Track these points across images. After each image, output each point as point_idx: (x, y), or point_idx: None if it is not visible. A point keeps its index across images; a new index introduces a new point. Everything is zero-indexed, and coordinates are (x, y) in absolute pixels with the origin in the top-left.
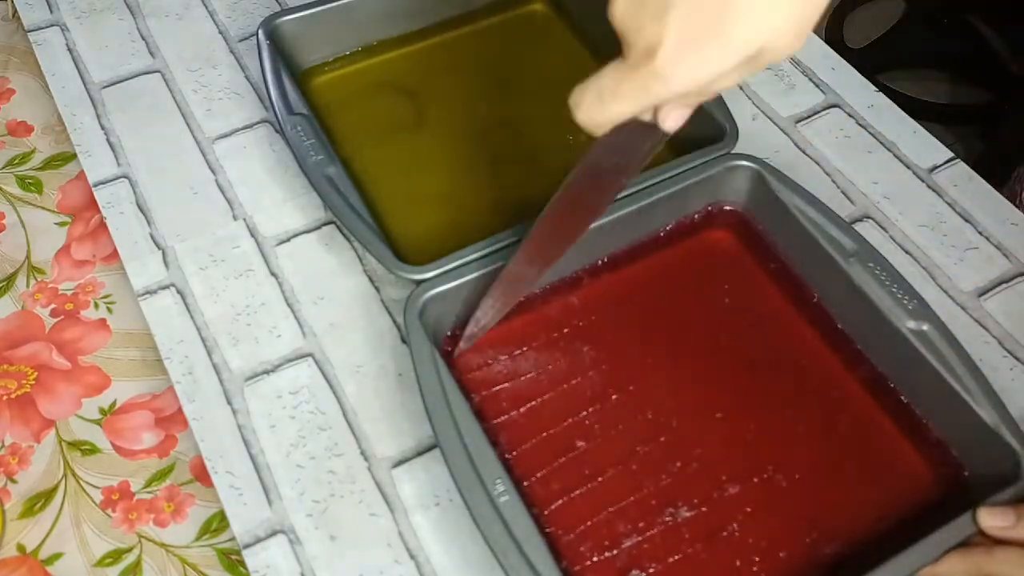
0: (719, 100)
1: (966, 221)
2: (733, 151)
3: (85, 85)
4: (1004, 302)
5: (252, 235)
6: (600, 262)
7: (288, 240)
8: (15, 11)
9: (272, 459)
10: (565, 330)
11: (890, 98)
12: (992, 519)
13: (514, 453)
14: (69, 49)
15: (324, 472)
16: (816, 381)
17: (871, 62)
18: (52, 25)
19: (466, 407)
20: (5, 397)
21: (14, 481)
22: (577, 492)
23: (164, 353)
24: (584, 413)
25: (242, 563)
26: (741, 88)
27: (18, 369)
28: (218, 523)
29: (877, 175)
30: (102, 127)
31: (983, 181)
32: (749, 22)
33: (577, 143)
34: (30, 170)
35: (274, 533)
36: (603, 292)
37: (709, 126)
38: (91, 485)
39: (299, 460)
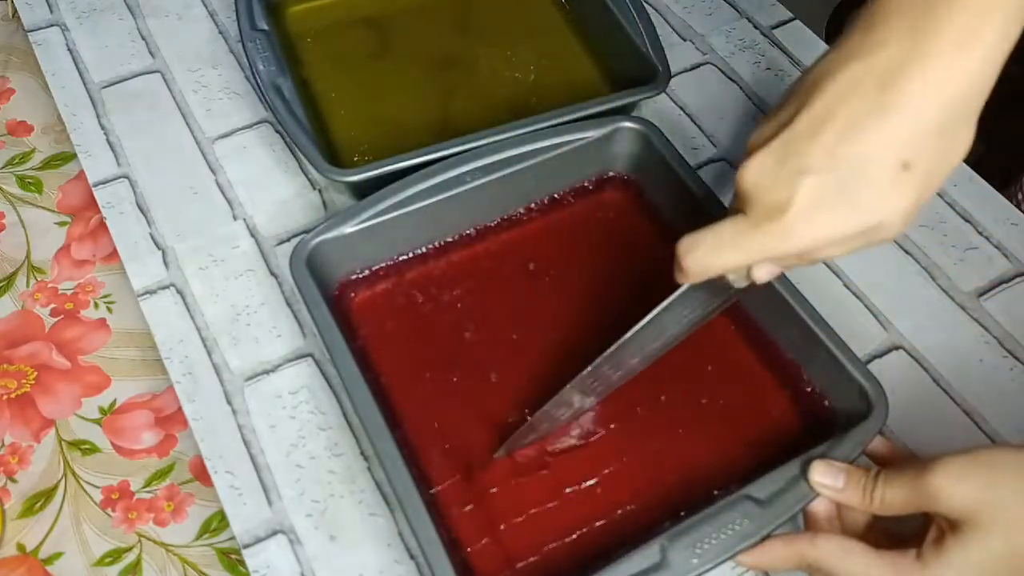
0: (656, 43)
1: (966, 221)
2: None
3: (85, 85)
4: (1004, 302)
5: (252, 235)
6: (494, 222)
7: (288, 240)
8: (15, 11)
9: (272, 459)
10: (456, 291)
11: (991, 184)
12: (823, 476)
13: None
14: (69, 49)
15: (324, 472)
16: (699, 328)
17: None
18: (52, 25)
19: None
20: (5, 397)
21: (14, 480)
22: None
23: (164, 353)
24: (470, 355)
25: (242, 563)
26: (742, 89)
27: (18, 369)
28: (218, 523)
29: None
30: (102, 127)
31: (983, 181)
32: (868, 202)
33: (525, 81)
34: (30, 170)
35: (274, 533)
36: (495, 250)
37: (644, 68)
38: (91, 485)
39: (299, 460)
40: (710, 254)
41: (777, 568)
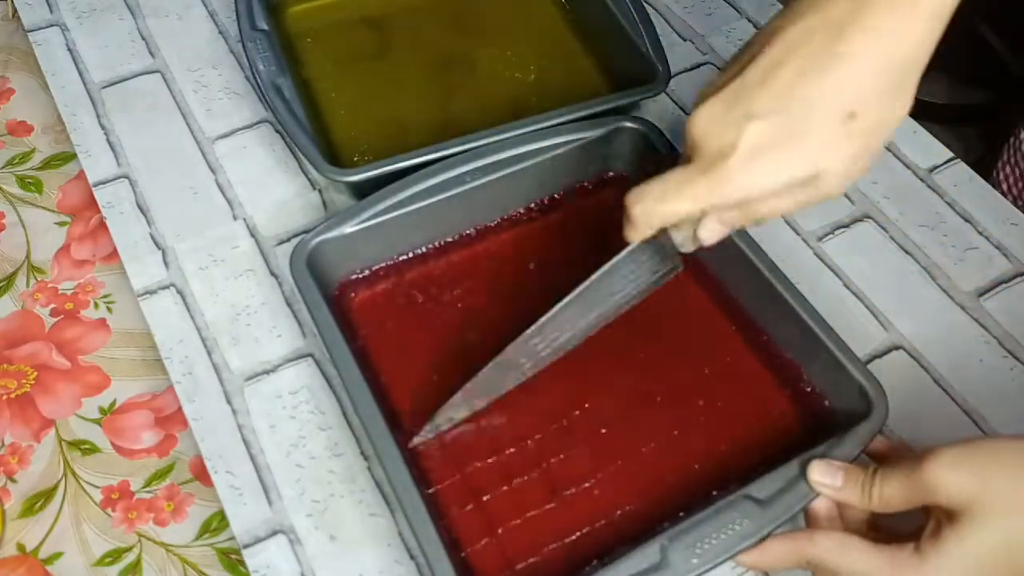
0: (656, 43)
1: (966, 221)
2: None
3: (85, 85)
4: (1004, 302)
5: (252, 235)
6: (494, 222)
7: (288, 240)
8: (15, 11)
9: (272, 459)
10: (456, 290)
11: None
12: (821, 475)
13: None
14: (69, 49)
15: (324, 472)
16: (696, 326)
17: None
18: (52, 25)
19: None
20: (5, 397)
21: (14, 480)
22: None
23: (164, 353)
24: (470, 355)
25: (242, 563)
26: None
27: (18, 368)
28: (218, 522)
29: (877, 175)
30: (102, 127)
31: (983, 181)
32: (812, 148)
33: (525, 81)
34: (30, 170)
35: (274, 533)
36: (495, 250)
37: (644, 68)
38: (91, 484)
39: (299, 460)
40: (657, 201)
41: (777, 567)
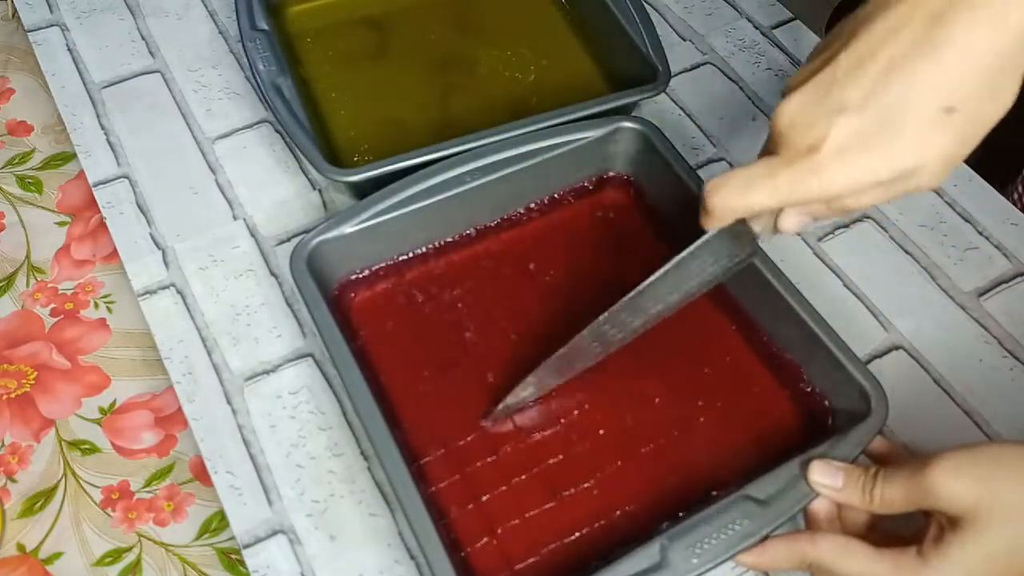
0: (656, 43)
1: (966, 221)
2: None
3: (85, 85)
4: (1004, 302)
5: (252, 235)
6: (494, 222)
7: (288, 240)
8: (15, 11)
9: (272, 459)
10: (456, 290)
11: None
12: (822, 476)
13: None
14: (69, 49)
15: (324, 472)
16: (695, 326)
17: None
18: (52, 25)
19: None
20: (5, 397)
21: (14, 480)
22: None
23: (164, 353)
24: (470, 355)
25: (242, 563)
26: (742, 89)
27: (18, 368)
28: (218, 522)
29: None
30: (102, 127)
31: (983, 181)
32: (906, 144)
33: (525, 81)
34: (30, 170)
35: (274, 533)
36: (495, 250)
37: (644, 68)
38: (91, 484)
39: (299, 460)
40: (738, 193)
41: (777, 568)
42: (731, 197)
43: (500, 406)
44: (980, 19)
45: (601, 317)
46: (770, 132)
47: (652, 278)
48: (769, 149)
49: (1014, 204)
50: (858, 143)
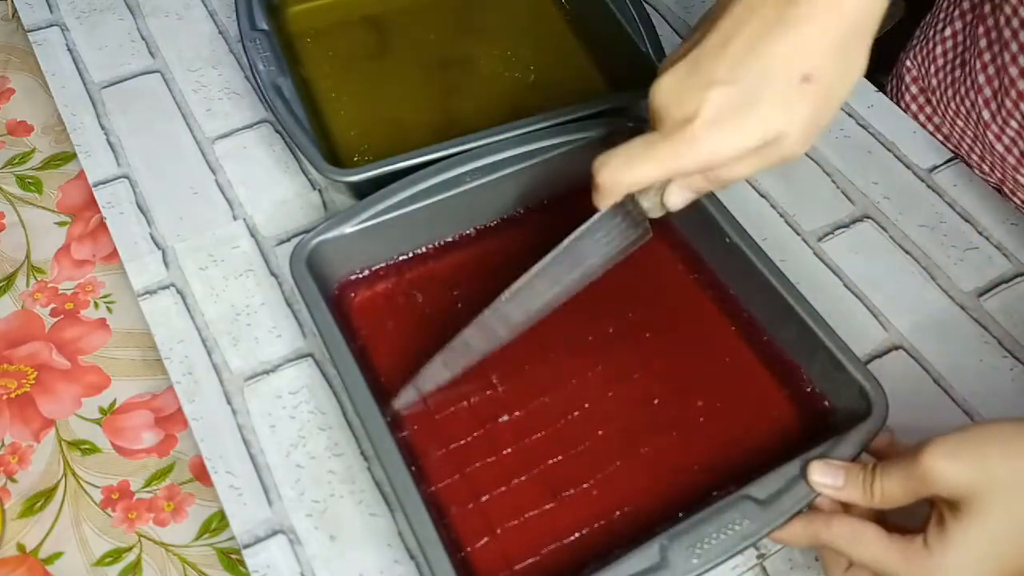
0: (656, 43)
1: (966, 221)
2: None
3: (85, 85)
4: (1004, 302)
5: (252, 235)
6: (494, 222)
7: (288, 240)
8: (15, 11)
9: (272, 459)
10: (456, 290)
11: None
12: (822, 476)
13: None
14: (69, 49)
15: (324, 472)
16: (695, 326)
17: (871, 61)
18: (52, 25)
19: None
20: (5, 397)
21: (14, 480)
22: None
23: (164, 353)
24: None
25: (242, 563)
26: None
27: (18, 368)
28: (218, 522)
29: (877, 175)
30: (102, 127)
31: (983, 181)
32: (770, 112)
33: (525, 81)
34: (30, 170)
35: (274, 533)
36: (495, 250)
37: (644, 68)
38: (91, 484)
39: (299, 460)
40: (622, 167)
41: (792, 543)
42: (617, 172)
43: (408, 388)
44: None
45: (500, 297)
46: (649, 107)
47: (547, 258)
48: (648, 127)
49: (891, 98)
50: (727, 114)
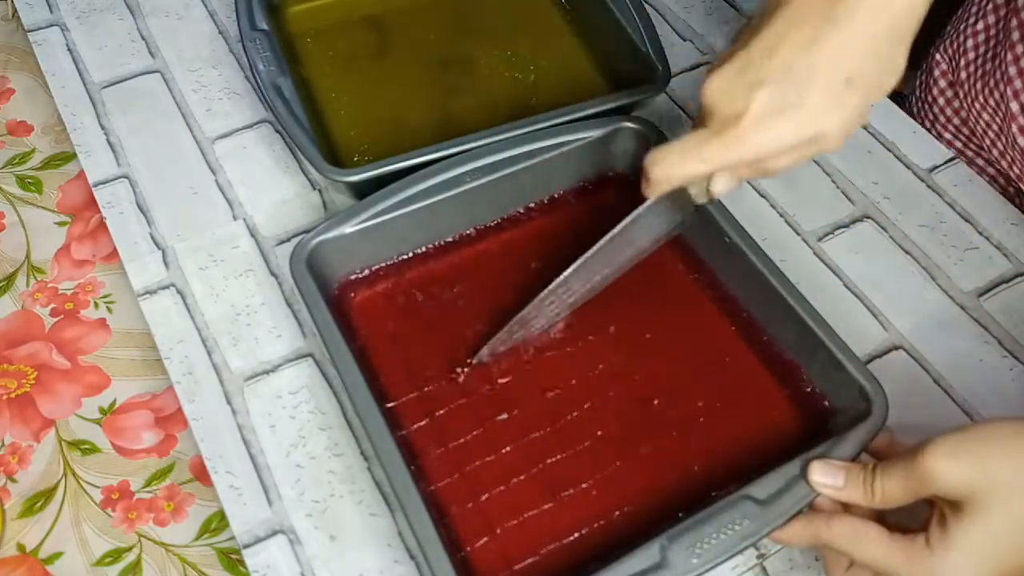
0: (656, 43)
1: (966, 221)
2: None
3: (85, 85)
4: (1004, 302)
5: (252, 235)
6: (494, 222)
7: (288, 240)
8: (15, 11)
9: (272, 459)
10: (456, 290)
11: (890, 97)
12: (822, 476)
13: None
14: (69, 49)
15: (324, 472)
16: (695, 327)
17: None
18: (52, 25)
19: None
20: (5, 397)
21: (14, 480)
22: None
23: (164, 353)
24: (466, 362)
25: (242, 562)
26: None
27: (18, 368)
28: (218, 522)
29: (877, 175)
30: (102, 127)
31: (983, 181)
32: (814, 111)
33: (525, 81)
34: (30, 170)
35: (274, 533)
36: (495, 250)
37: (644, 68)
38: (91, 484)
39: (299, 460)
40: (675, 163)
41: (793, 543)
42: (670, 167)
43: (484, 350)
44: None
45: (558, 279)
46: (700, 105)
47: (604, 240)
48: (698, 124)
49: (919, 92)
50: (773, 112)
